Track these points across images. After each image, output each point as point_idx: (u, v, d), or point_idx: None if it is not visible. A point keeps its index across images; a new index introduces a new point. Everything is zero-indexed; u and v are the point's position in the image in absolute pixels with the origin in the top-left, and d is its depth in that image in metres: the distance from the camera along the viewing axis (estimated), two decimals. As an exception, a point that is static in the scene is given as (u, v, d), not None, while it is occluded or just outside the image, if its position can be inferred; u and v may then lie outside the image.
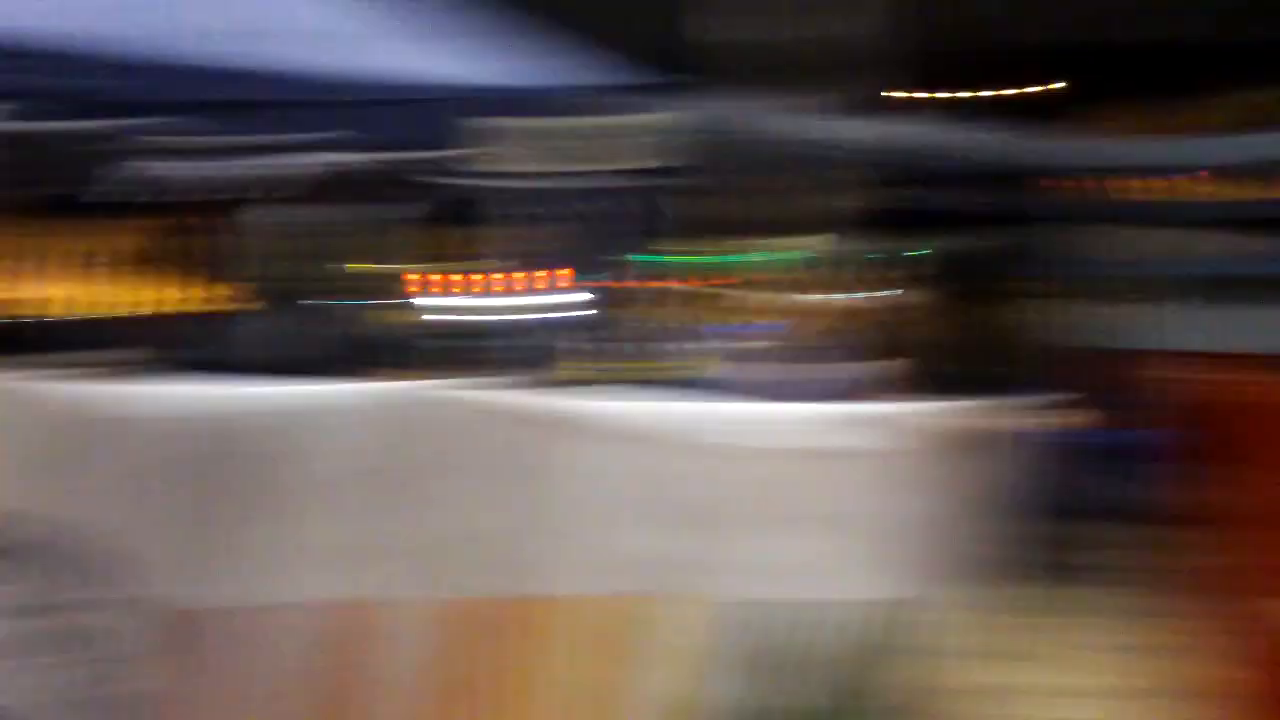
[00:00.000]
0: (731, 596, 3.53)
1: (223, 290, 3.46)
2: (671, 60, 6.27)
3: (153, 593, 3.35)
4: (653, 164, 6.34)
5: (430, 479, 3.45)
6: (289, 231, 8.96)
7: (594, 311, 6.40)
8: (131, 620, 3.36)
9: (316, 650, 3.44)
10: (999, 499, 3.60)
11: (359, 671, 3.45)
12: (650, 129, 6.71)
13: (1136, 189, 9.79)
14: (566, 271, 6.30)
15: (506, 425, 3.53)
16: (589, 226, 6.10)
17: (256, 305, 6.32)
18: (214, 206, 3.68)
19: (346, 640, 3.44)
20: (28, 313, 6.19)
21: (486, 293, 7.04)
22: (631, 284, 7.10)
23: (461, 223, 6.64)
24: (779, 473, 3.56)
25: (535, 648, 3.50)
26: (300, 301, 5.87)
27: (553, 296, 6.20)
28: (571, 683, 3.52)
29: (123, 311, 6.13)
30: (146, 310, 6.16)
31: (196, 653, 3.39)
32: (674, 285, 8.14)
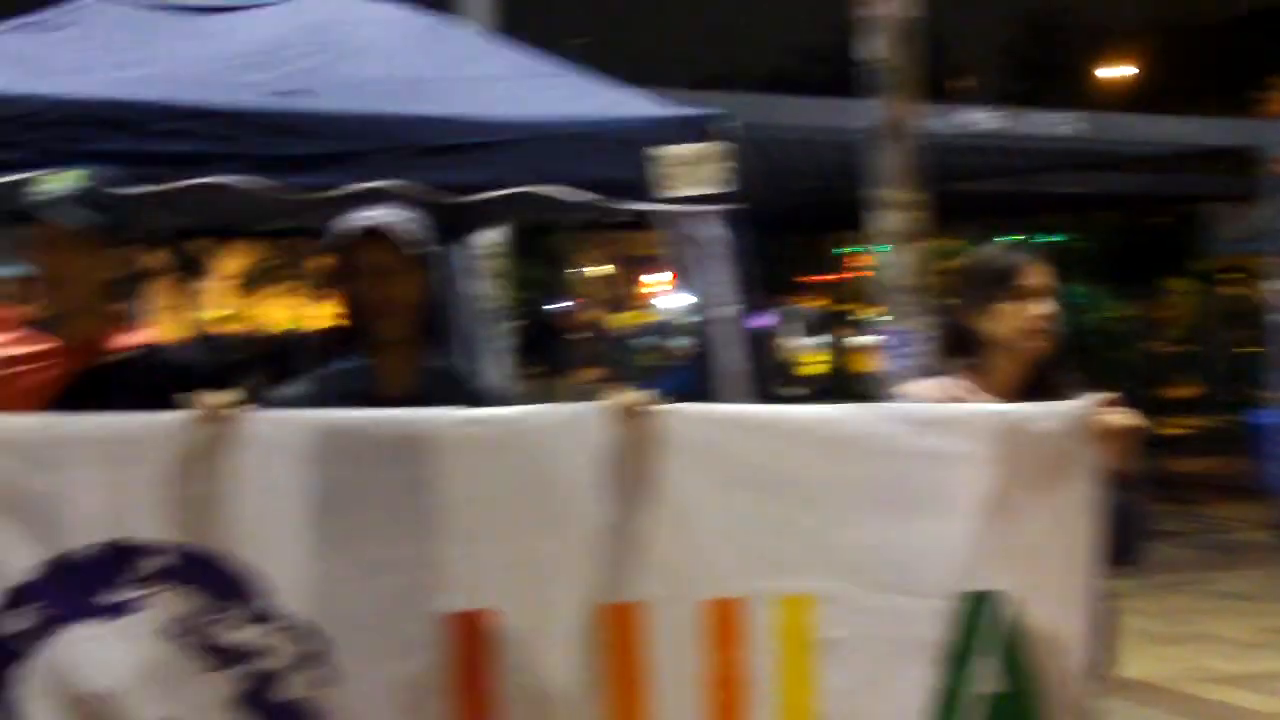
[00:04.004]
0: (946, 589, 3.59)
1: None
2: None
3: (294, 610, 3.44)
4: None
5: (680, 488, 3.54)
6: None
7: (782, 322, 6.59)
8: (277, 636, 3.43)
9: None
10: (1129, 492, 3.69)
11: (629, 673, 3.54)
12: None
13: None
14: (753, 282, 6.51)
15: (747, 434, 3.63)
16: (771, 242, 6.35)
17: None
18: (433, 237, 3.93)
19: (619, 643, 3.54)
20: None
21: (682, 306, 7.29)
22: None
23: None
24: (978, 467, 3.60)
25: (782, 647, 3.59)
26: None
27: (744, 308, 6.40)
28: (812, 681, 3.59)
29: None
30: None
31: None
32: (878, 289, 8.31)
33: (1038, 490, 3.62)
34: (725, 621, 3.56)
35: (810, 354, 25.26)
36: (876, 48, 8.38)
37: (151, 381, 3.59)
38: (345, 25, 6.49)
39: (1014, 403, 3.79)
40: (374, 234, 3.74)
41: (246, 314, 34.93)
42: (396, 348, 3.80)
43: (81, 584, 3.40)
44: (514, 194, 5.74)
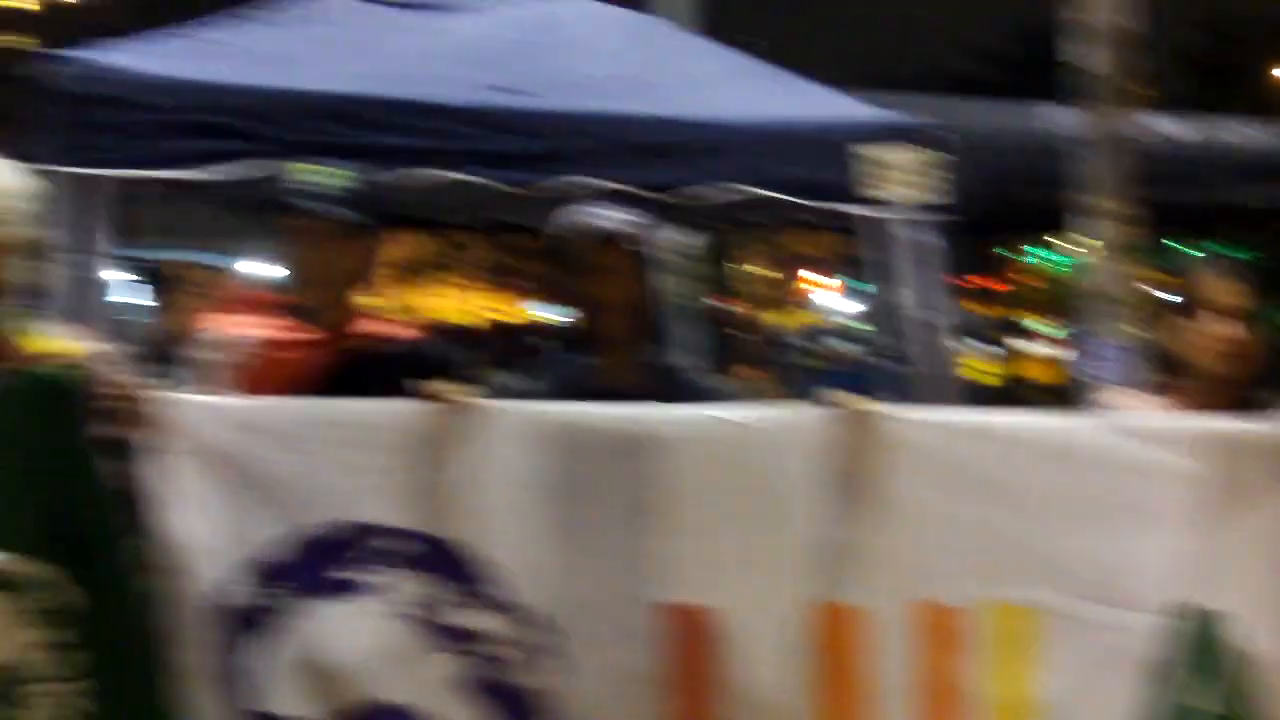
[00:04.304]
0: (1164, 605, 3.57)
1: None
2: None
3: (528, 598, 3.53)
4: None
5: (902, 493, 3.56)
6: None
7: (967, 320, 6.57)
8: (511, 623, 3.53)
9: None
10: None
11: (843, 675, 3.58)
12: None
13: None
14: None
15: (970, 441, 3.64)
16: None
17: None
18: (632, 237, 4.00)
19: (834, 645, 3.58)
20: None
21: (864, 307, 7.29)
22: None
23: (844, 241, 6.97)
24: (1197, 481, 3.58)
25: (998, 655, 3.61)
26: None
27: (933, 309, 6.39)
28: (1006, 690, 3.60)
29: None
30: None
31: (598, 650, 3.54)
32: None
33: (1257, 508, 3.60)
34: (942, 628, 3.59)
35: (980, 361, 24.98)
36: (1085, 54, 8.29)
37: (401, 371, 3.67)
38: (561, 24, 6.62)
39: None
40: (602, 233, 3.83)
41: (409, 305, 35.41)
42: (621, 345, 3.88)
43: (323, 562, 3.53)
44: (730, 194, 5.81)
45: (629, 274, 3.84)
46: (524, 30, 6.50)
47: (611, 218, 3.88)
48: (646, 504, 3.54)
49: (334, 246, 3.87)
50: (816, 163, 5.89)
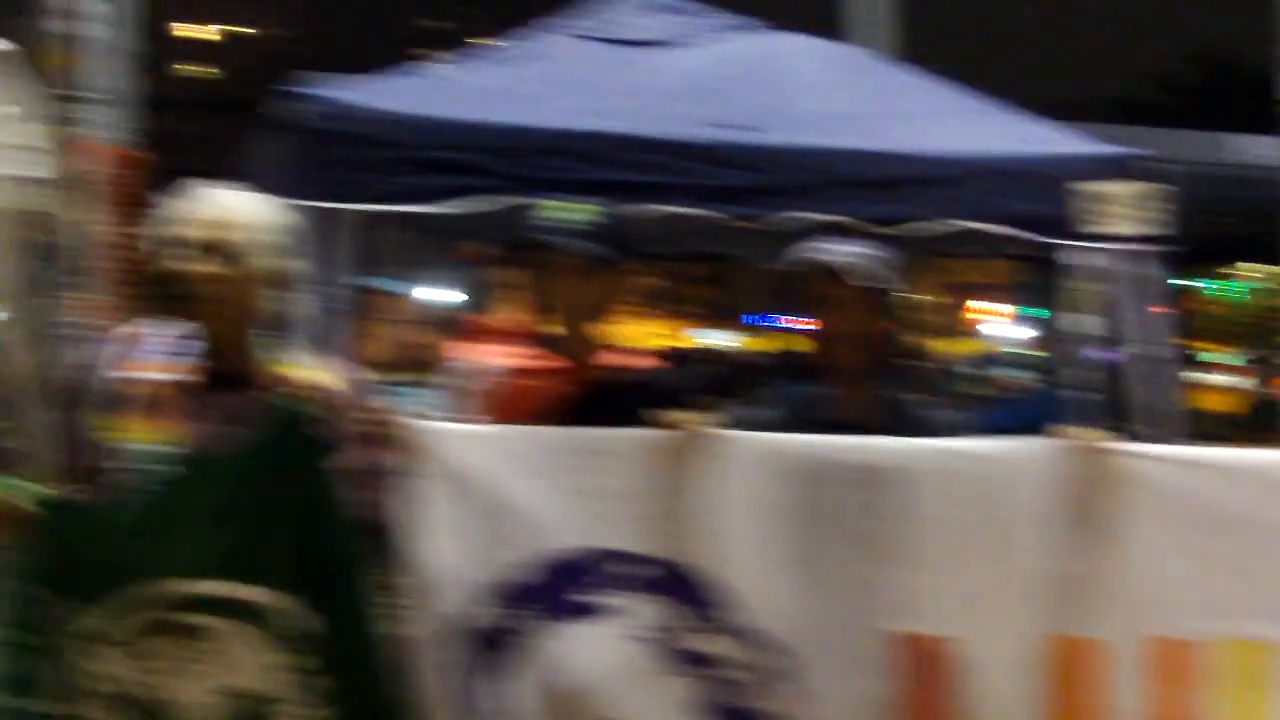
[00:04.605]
0: None
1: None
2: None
3: (764, 624, 3.59)
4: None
5: (1136, 527, 3.59)
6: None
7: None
8: (747, 648, 3.59)
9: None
10: None
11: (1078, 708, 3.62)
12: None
13: None
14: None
15: (1204, 476, 3.66)
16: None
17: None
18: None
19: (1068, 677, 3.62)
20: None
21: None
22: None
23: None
24: None
25: (1233, 691, 3.62)
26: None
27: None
28: None
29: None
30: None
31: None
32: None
33: None
34: (1176, 662, 3.59)
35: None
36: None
37: (640, 401, 3.77)
38: (778, 60, 6.71)
39: None
40: (835, 267, 3.91)
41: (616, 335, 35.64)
42: (856, 377, 3.96)
43: (565, 585, 3.64)
44: (948, 228, 5.86)
45: (862, 307, 3.92)
46: (742, 65, 6.60)
47: (845, 252, 3.97)
48: (883, 534, 3.60)
49: (579, 279, 3.99)
50: (1037, 196, 5.91)
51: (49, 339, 4.58)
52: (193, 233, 3.55)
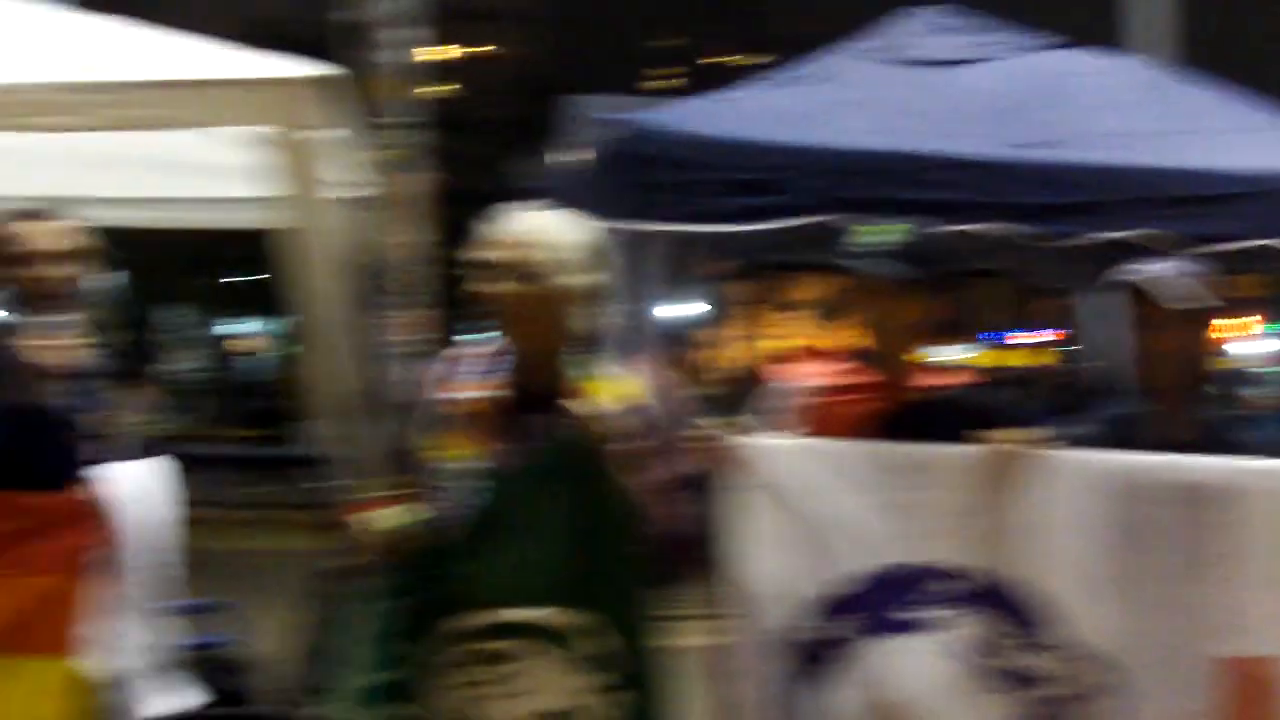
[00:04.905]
0: None
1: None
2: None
3: (1087, 641, 3.62)
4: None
5: None
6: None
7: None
8: (1069, 665, 3.63)
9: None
10: None
11: None
12: None
13: None
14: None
15: None
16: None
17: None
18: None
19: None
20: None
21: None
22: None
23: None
24: None
25: None
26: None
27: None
28: None
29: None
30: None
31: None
32: None
33: None
34: None
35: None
36: None
37: (959, 419, 3.84)
38: (1071, 77, 6.69)
39: None
40: (1157, 289, 3.91)
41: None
42: (1175, 396, 3.96)
43: (887, 600, 3.72)
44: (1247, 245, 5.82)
45: (1184, 326, 3.94)
46: (1036, 83, 6.59)
47: (1164, 271, 3.96)
48: (1210, 554, 3.60)
49: (893, 300, 4.04)
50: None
51: (377, 357, 4.80)
52: (499, 254, 3.67)
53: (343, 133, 4.79)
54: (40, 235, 4.53)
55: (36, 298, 4.51)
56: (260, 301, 30.40)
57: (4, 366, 4.39)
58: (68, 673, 3.94)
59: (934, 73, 6.74)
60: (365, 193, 5.45)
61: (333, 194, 4.65)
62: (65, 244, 4.55)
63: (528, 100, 35.98)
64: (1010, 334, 31.44)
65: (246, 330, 32.16)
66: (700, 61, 45.81)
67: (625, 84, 34.16)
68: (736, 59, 43.51)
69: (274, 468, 17.60)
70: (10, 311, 4.59)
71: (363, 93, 7.89)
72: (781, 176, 5.76)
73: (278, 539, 10.85)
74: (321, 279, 4.57)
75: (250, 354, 30.58)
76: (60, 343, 4.40)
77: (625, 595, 3.61)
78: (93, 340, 4.57)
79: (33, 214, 4.58)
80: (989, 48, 6.93)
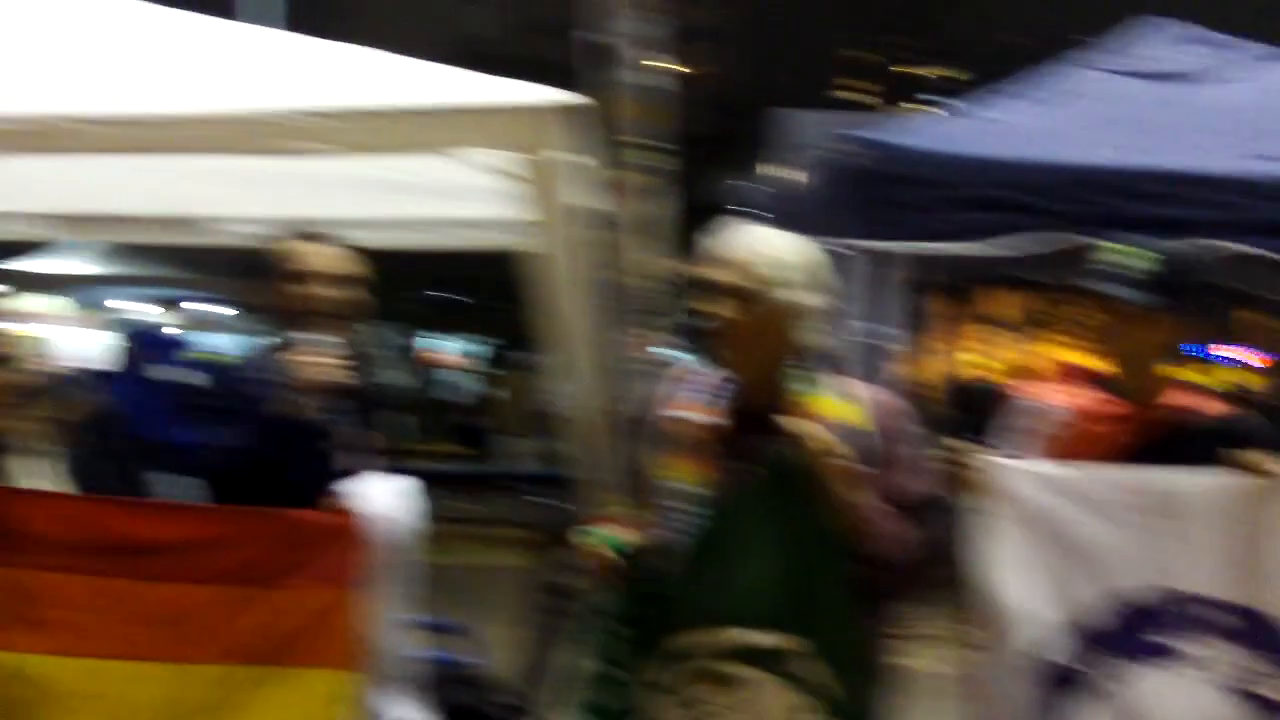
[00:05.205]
0: None
1: None
2: None
3: None
4: None
5: None
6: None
7: None
8: None
9: None
10: None
11: None
12: None
13: None
14: None
15: None
16: None
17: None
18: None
19: None
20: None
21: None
22: None
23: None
24: None
25: None
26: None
27: None
28: None
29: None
30: None
31: None
32: None
33: None
34: None
35: None
36: None
37: (1211, 445, 3.79)
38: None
39: None
40: None
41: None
42: None
43: (1140, 627, 3.69)
44: None
45: None
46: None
47: None
48: None
49: (1139, 325, 3.99)
50: None
51: (617, 374, 4.85)
52: (718, 275, 3.68)
53: (587, 158, 4.86)
54: (317, 256, 4.69)
55: (306, 316, 4.64)
56: (461, 321, 30.89)
57: (269, 379, 4.51)
58: (342, 684, 4.04)
59: (1178, 87, 6.62)
60: (608, 214, 5.51)
61: (577, 217, 4.70)
62: (339, 267, 4.69)
63: (723, 116, 36.07)
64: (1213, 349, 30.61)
65: (446, 347, 32.71)
66: (892, 71, 45.58)
67: (816, 97, 34.04)
68: (927, 70, 43.22)
69: (479, 484, 17.91)
70: (280, 327, 4.72)
71: (604, 116, 7.99)
72: (1029, 195, 5.69)
73: (488, 555, 11.01)
74: (566, 300, 4.62)
75: (451, 369, 31.10)
76: (324, 360, 4.51)
77: (840, 619, 3.62)
78: (354, 361, 4.69)
79: (312, 235, 4.73)
80: (1232, 61, 6.79)
